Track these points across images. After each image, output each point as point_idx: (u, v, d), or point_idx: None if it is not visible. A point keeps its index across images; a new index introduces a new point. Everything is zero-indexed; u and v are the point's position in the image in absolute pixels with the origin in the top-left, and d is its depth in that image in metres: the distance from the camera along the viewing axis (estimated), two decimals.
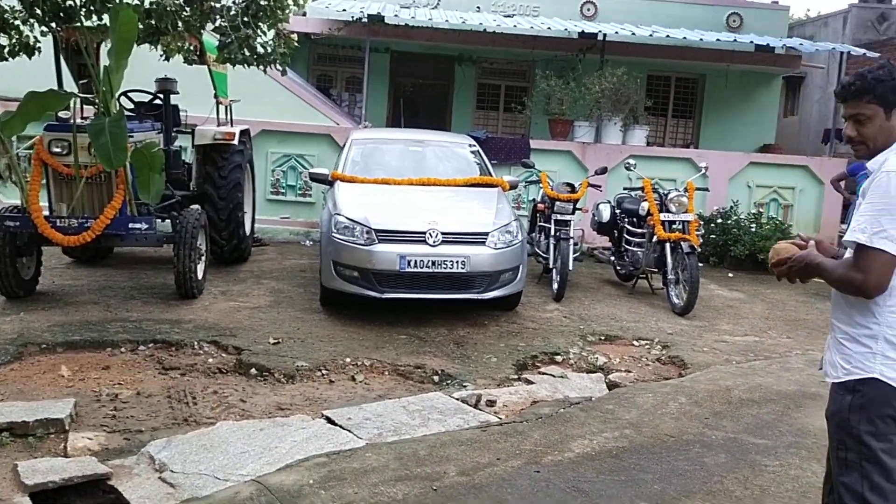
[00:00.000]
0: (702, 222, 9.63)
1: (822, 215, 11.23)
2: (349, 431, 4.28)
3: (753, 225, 10.09)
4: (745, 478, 3.89)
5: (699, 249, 7.62)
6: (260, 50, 7.53)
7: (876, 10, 17.19)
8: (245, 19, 7.13)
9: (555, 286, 7.77)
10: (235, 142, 8.19)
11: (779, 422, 4.70)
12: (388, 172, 7.55)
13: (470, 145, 8.49)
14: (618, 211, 8.61)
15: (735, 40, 12.11)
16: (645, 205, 7.98)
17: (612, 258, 8.75)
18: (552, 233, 7.92)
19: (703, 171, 8.56)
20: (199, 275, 7.02)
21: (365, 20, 11.72)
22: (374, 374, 5.50)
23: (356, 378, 5.37)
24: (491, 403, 4.89)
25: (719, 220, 10.29)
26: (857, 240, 2.31)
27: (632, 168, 8.49)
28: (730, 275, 9.68)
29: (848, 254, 2.44)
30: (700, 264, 7.56)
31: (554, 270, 7.86)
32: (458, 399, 4.91)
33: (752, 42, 12.37)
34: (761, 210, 10.88)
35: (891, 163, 2.32)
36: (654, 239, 7.77)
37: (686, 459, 4.09)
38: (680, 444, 4.30)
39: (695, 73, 14.94)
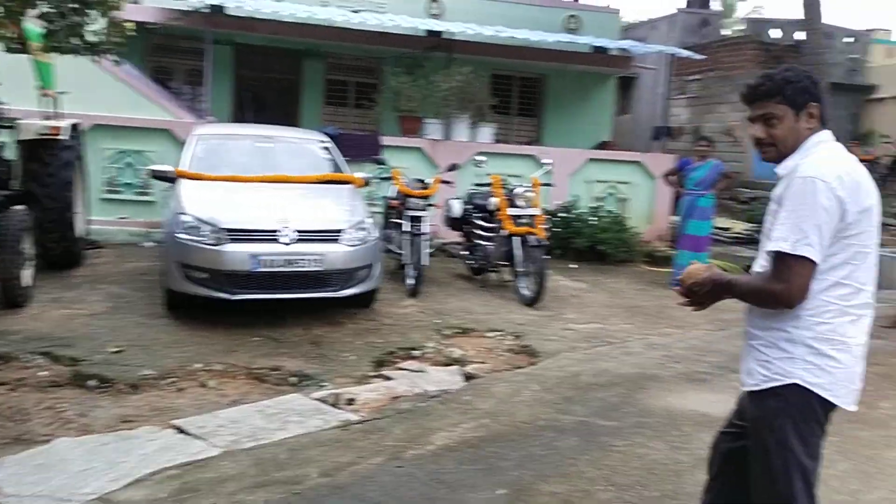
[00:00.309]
0: (548, 216, 10.02)
1: (655, 208, 12.02)
2: (202, 440, 4.10)
3: (593, 218, 10.63)
4: (595, 459, 4.09)
5: (545, 242, 7.92)
6: (91, 38, 7.06)
7: (699, 16, 18.65)
8: (73, 6, 6.65)
9: (410, 282, 7.82)
10: (64, 137, 7.60)
11: (624, 403, 4.98)
12: (235, 169, 7.27)
13: (321, 141, 8.35)
14: (468, 206, 8.79)
15: (573, 42, 12.68)
16: (494, 200, 8.18)
17: (464, 252, 8.93)
18: (406, 229, 7.97)
19: (548, 167, 8.86)
20: (26, 281, 6.48)
21: (205, 10, 11.24)
22: (228, 379, 5.29)
23: (208, 384, 5.14)
24: (350, 402, 4.85)
25: (562, 215, 10.76)
26: (780, 248, 2.24)
27: (481, 164, 8.68)
28: (573, 266, 10.15)
29: (758, 267, 2.39)
30: (546, 256, 7.87)
31: (409, 266, 7.91)
32: (316, 399, 4.83)
33: (588, 43, 12.99)
34: (600, 204, 11.47)
35: (805, 168, 2.28)
36: (504, 233, 8.00)
37: (541, 445, 4.24)
38: (535, 430, 4.46)
39: (537, 73, 15.53)
